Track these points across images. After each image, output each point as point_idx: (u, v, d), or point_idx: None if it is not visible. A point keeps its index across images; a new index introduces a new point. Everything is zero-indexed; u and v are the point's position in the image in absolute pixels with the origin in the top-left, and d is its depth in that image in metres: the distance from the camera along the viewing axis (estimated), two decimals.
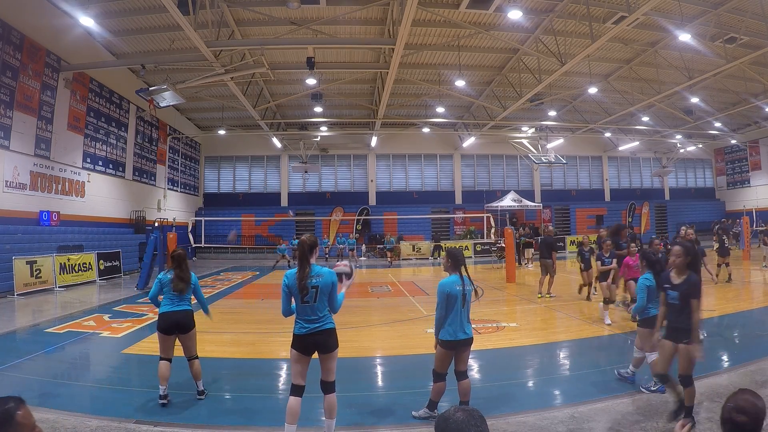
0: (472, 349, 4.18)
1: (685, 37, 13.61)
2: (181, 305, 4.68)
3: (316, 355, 3.70)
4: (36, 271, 12.45)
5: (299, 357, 3.65)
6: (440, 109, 21.29)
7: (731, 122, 26.98)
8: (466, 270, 4.09)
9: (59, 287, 12.99)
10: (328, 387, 3.67)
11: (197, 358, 4.75)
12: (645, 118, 24.19)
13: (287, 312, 3.68)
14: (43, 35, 13.51)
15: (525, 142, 25.11)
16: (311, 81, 16.42)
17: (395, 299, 11.43)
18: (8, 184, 12.66)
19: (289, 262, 20.76)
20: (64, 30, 13.51)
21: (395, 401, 4.66)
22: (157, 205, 21.88)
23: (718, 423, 2.06)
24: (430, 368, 4.17)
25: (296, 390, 3.62)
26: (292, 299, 3.67)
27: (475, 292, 4.11)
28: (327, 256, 24.53)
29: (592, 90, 18.79)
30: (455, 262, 4.07)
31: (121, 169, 18.69)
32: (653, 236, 12.74)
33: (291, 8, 13.27)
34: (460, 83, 17.84)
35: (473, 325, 8.01)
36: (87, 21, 12.30)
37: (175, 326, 4.63)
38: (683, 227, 11.42)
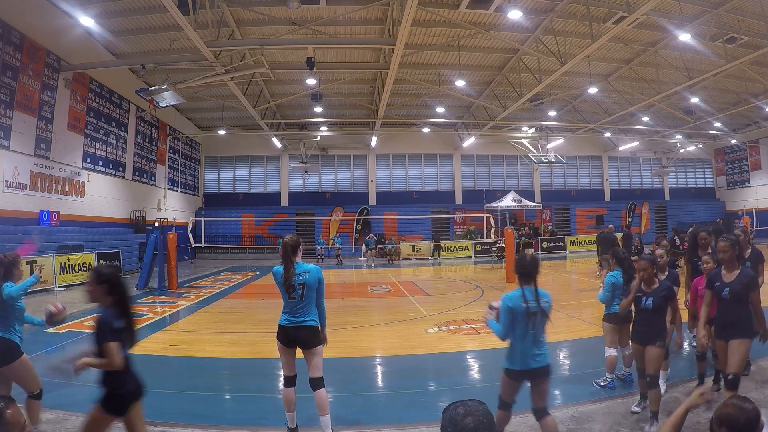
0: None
1: (685, 37, 13.61)
2: None
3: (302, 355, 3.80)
4: (36, 271, 12.43)
5: (283, 348, 3.80)
6: (440, 109, 21.26)
7: (731, 122, 26.96)
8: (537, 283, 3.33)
9: (59, 287, 12.98)
10: (316, 383, 3.73)
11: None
12: (645, 118, 24.17)
13: None
14: (43, 35, 13.50)
15: (525, 142, 25.08)
16: (311, 81, 16.42)
17: (395, 299, 11.43)
18: (8, 184, 12.66)
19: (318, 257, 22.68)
20: (64, 30, 13.49)
21: (395, 401, 4.66)
22: (157, 205, 21.88)
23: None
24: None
25: (288, 381, 3.79)
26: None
27: (544, 312, 3.28)
28: (320, 257, 24.35)
29: (592, 90, 18.77)
30: (523, 273, 3.30)
31: (121, 169, 18.69)
32: None
33: (291, 8, 13.25)
34: (460, 83, 17.82)
35: (474, 325, 7.91)
36: (87, 21, 12.30)
37: None
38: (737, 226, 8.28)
